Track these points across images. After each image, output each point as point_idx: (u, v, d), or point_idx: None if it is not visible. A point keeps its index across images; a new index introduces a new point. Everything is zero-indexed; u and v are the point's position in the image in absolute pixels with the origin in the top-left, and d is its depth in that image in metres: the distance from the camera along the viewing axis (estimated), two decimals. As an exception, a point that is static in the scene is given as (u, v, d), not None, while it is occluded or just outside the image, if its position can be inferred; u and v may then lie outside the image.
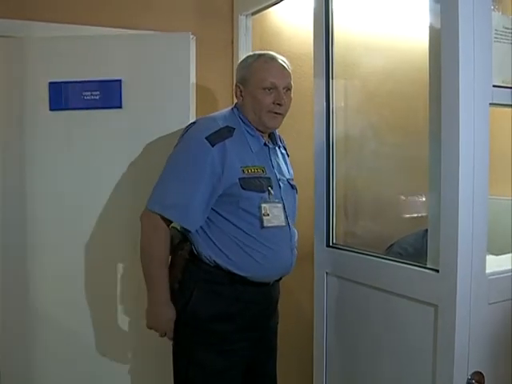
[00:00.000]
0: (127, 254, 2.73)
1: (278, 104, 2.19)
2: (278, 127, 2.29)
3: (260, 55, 2.27)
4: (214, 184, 2.13)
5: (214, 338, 2.22)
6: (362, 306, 2.46)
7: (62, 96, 2.83)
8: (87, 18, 2.93)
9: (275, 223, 2.19)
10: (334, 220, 2.68)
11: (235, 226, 2.17)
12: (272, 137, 2.34)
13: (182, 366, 2.29)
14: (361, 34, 2.73)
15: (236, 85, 2.29)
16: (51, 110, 2.85)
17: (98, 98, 2.84)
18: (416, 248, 2.48)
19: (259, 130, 2.27)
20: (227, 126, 2.19)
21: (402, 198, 2.68)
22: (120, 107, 2.85)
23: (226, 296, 2.22)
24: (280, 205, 2.22)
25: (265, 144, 2.27)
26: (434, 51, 2.05)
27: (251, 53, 2.36)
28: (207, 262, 2.20)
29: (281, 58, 2.27)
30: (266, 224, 2.17)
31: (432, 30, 2.10)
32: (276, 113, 2.22)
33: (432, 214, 2.16)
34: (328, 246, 2.66)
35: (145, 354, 2.93)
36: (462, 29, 1.90)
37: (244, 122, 2.26)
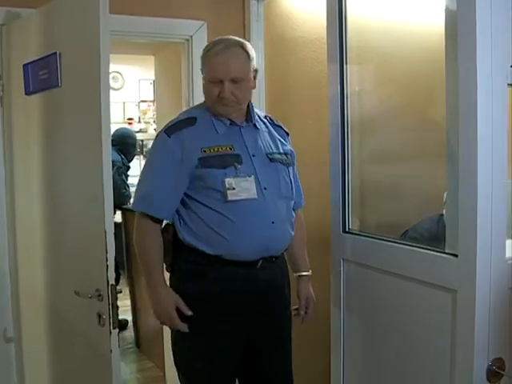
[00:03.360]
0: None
1: (222, 97, 2.22)
2: (231, 114, 2.30)
3: (213, 45, 2.28)
4: (176, 170, 2.24)
5: (198, 319, 2.27)
6: (379, 292, 2.44)
7: (28, 79, 2.63)
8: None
9: (243, 196, 2.22)
10: (349, 205, 2.66)
11: (203, 204, 2.25)
12: (248, 116, 2.36)
13: (174, 348, 2.39)
14: (374, 17, 2.68)
15: (200, 69, 2.36)
16: (26, 94, 2.68)
17: (46, 77, 2.53)
18: (432, 233, 2.46)
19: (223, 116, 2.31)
20: (188, 118, 2.32)
21: (418, 182, 2.64)
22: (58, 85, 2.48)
23: (207, 277, 2.27)
24: (251, 178, 2.25)
25: (231, 124, 2.31)
26: (450, 33, 2.01)
27: (210, 42, 2.35)
28: (186, 244, 2.28)
29: (237, 45, 2.27)
30: (230, 198, 2.21)
31: (448, 11, 2.06)
32: (224, 103, 2.25)
33: (450, 199, 2.13)
34: (344, 231, 2.64)
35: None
36: (479, 9, 1.86)
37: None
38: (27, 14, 2.71)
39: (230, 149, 2.28)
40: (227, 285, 2.26)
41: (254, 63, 2.32)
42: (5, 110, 2.83)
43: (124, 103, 7.76)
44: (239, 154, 2.28)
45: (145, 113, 7.75)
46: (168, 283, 2.35)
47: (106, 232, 2.19)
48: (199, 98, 2.88)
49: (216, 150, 2.26)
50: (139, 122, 7.77)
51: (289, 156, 2.42)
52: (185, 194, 2.27)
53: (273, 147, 2.38)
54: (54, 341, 2.71)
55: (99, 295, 2.22)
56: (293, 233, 2.39)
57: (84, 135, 2.35)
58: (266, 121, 2.45)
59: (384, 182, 2.77)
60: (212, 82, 2.24)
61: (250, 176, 2.25)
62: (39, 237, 2.68)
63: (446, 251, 2.10)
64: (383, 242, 2.44)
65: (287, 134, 2.51)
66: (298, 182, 2.52)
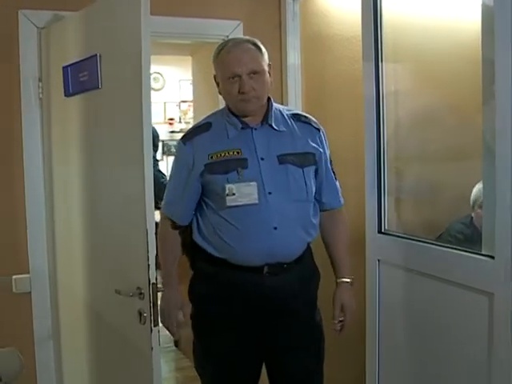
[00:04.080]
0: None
1: (242, 92, 2.19)
2: (254, 109, 2.26)
3: (224, 45, 2.28)
4: (189, 177, 2.30)
5: (207, 320, 2.34)
6: (415, 294, 2.42)
7: (68, 81, 2.65)
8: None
9: (243, 202, 2.21)
10: (385, 206, 2.63)
11: (212, 209, 2.29)
12: (264, 117, 2.30)
13: (192, 348, 2.45)
14: (410, 14, 2.66)
15: (214, 76, 2.34)
16: (66, 96, 2.70)
17: (86, 78, 2.55)
18: (465, 234, 2.42)
19: (243, 115, 2.28)
20: (204, 124, 2.36)
21: (455, 183, 2.60)
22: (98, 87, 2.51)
23: (216, 279, 2.30)
24: (253, 183, 2.22)
25: (242, 127, 2.28)
26: (487, 29, 1.98)
27: (217, 47, 2.33)
28: (198, 245, 2.33)
29: (248, 42, 2.26)
30: (228, 203, 2.21)
31: (484, 7, 2.03)
32: (246, 99, 2.21)
33: (487, 200, 2.09)
34: (380, 232, 2.62)
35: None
36: (516, 5, 1.82)
37: (229, 110, 2.31)
38: (66, 17, 2.75)
39: (238, 153, 2.26)
40: (234, 288, 2.27)
41: (267, 58, 2.28)
42: (44, 112, 2.86)
43: (165, 103, 7.83)
44: (246, 158, 2.25)
45: (185, 113, 7.79)
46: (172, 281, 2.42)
47: (147, 231, 2.20)
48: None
49: (223, 155, 2.26)
50: (180, 122, 7.83)
51: (310, 155, 2.31)
52: (201, 197, 2.33)
53: (289, 148, 2.29)
54: (94, 339, 2.73)
55: (140, 293, 2.24)
56: (309, 237, 2.32)
57: (125, 136, 2.37)
58: (287, 118, 2.34)
59: (420, 182, 2.74)
60: (229, 79, 2.21)
61: (252, 181, 2.22)
62: (79, 236, 2.71)
63: (483, 253, 2.05)
64: (419, 243, 2.41)
65: (318, 129, 2.37)
66: (332, 181, 2.40)
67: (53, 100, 2.82)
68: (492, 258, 1.98)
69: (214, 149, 2.27)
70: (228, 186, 2.22)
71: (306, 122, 2.37)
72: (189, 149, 2.30)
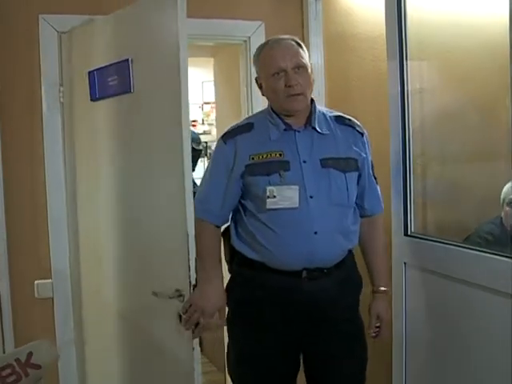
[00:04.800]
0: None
1: (289, 86, 2.17)
2: (300, 107, 2.23)
3: (265, 43, 2.29)
4: (228, 177, 2.26)
5: (245, 323, 2.31)
6: (442, 297, 2.36)
7: (95, 85, 2.67)
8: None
9: (283, 205, 2.17)
10: (412, 208, 2.58)
11: (250, 212, 2.26)
12: (307, 120, 2.27)
13: (226, 350, 2.47)
14: (435, 10, 2.58)
15: (255, 78, 2.34)
16: (92, 100, 2.72)
17: (115, 83, 2.57)
18: (495, 236, 2.35)
19: (288, 115, 2.25)
20: (246, 124, 2.33)
21: (484, 182, 2.53)
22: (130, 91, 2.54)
23: (253, 282, 2.27)
24: (295, 186, 2.18)
25: (285, 129, 2.25)
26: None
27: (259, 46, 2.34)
28: (236, 248, 2.32)
29: (288, 39, 2.25)
30: (268, 206, 2.18)
31: (513, 2, 1.96)
32: (293, 95, 2.18)
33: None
34: (406, 234, 2.56)
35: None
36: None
37: (273, 111, 2.28)
38: (91, 21, 2.79)
39: (280, 155, 2.22)
40: (272, 292, 2.23)
41: (308, 57, 2.27)
42: (66, 117, 2.87)
43: (188, 105, 7.80)
44: (288, 161, 2.21)
45: (208, 115, 7.74)
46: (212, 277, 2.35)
47: (188, 235, 2.23)
48: (257, 98, 2.94)
49: (265, 156, 2.23)
50: (203, 123, 7.79)
51: (353, 161, 2.27)
52: (239, 200, 2.29)
53: (332, 152, 2.25)
54: (125, 341, 2.73)
55: (179, 295, 2.28)
56: (349, 244, 2.28)
57: (163, 138, 2.38)
58: (330, 121, 2.31)
59: (447, 183, 2.67)
60: (275, 75, 2.19)
61: (294, 184, 2.19)
62: (111, 240, 2.70)
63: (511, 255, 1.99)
64: (447, 245, 2.35)
65: (361, 134, 2.33)
66: (374, 186, 2.37)
67: (77, 105, 2.84)
68: (522, 261, 1.92)
69: (255, 150, 2.25)
70: (269, 188, 2.19)
71: (349, 126, 2.33)
72: (230, 148, 2.27)
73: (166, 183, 2.36)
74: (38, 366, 1.71)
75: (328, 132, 2.27)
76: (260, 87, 2.31)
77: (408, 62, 2.55)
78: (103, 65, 2.60)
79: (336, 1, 3.21)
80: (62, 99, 2.83)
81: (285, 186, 2.18)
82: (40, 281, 2.84)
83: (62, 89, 2.83)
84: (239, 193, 2.27)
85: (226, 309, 2.36)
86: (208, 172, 2.34)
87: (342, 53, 3.22)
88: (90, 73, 2.67)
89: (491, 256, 2.10)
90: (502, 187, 2.40)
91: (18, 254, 2.82)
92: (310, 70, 2.25)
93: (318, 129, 2.26)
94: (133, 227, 2.59)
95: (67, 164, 2.87)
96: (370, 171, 2.35)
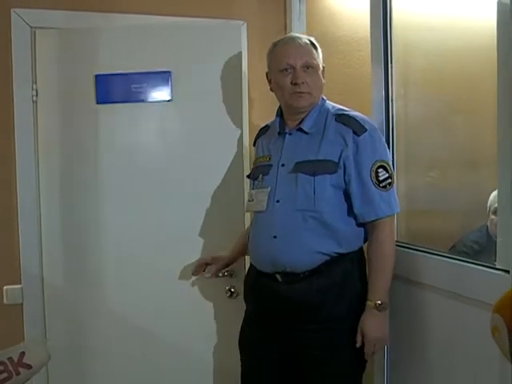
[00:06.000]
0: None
1: (296, 83, 2.21)
2: (305, 106, 2.26)
3: (280, 40, 2.32)
4: None
5: (245, 315, 2.47)
6: (426, 310, 2.28)
7: (109, 89, 2.79)
8: (136, 6, 2.88)
9: (255, 208, 2.31)
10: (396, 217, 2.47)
11: None
12: (301, 121, 2.29)
13: None
14: (422, 12, 2.57)
15: (266, 73, 2.38)
16: (98, 103, 2.80)
17: (145, 90, 2.81)
18: (481, 245, 2.30)
19: (293, 114, 2.30)
20: (265, 125, 2.51)
21: (469, 190, 2.49)
22: (170, 100, 2.82)
23: (248, 278, 2.44)
24: (267, 189, 2.27)
25: (279, 132, 2.33)
26: (503, 28, 1.85)
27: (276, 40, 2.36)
28: None
29: (303, 38, 2.29)
30: (246, 209, 2.43)
31: (500, 5, 1.90)
32: (298, 92, 2.22)
33: (502, 208, 1.96)
34: None
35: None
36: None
37: (277, 112, 2.38)
38: (92, 20, 2.83)
39: (269, 159, 2.34)
40: (257, 291, 2.35)
41: (321, 58, 2.31)
42: (59, 116, 2.84)
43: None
44: (271, 165, 2.31)
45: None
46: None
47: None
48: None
49: (261, 160, 2.40)
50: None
51: (330, 163, 2.19)
52: None
53: (311, 154, 2.21)
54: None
55: (231, 274, 2.77)
56: (331, 248, 2.19)
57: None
58: (330, 119, 2.26)
59: (432, 190, 2.64)
60: (283, 71, 2.24)
61: (267, 187, 2.26)
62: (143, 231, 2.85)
63: (497, 267, 1.92)
64: (431, 255, 2.28)
65: (357, 134, 2.18)
66: (366, 191, 2.18)
67: (76, 106, 2.83)
68: (507, 272, 1.84)
69: (259, 153, 2.45)
70: (251, 191, 2.38)
71: (345, 125, 2.22)
72: (254, 150, 2.53)
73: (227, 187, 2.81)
74: (30, 366, 1.72)
75: (316, 132, 2.25)
76: (269, 82, 2.36)
77: (393, 65, 2.50)
78: (123, 72, 2.77)
79: (320, 1, 3.17)
80: (34, 98, 2.74)
81: (259, 190, 2.30)
82: (9, 286, 2.74)
83: (35, 87, 2.74)
84: None
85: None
86: None
87: (324, 55, 3.09)
88: (97, 76, 2.77)
89: (473, 266, 2.03)
90: (489, 195, 2.35)
91: (-16, 258, 2.71)
92: (320, 72, 2.29)
93: (304, 129, 2.26)
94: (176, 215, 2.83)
95: (39, 165, 2.78)
96: (364, 174, 2.18)
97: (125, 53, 2.79)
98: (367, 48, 2.66)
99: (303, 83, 2.21)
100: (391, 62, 2.49)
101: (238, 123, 2.82)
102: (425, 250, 2.33)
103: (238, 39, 2.86)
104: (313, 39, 2.30)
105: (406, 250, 2.40)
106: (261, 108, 2.83)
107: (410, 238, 2.52)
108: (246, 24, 3.00)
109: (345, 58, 3.13)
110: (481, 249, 2.30)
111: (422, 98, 2.66)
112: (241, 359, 2.45)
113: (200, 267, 2.72)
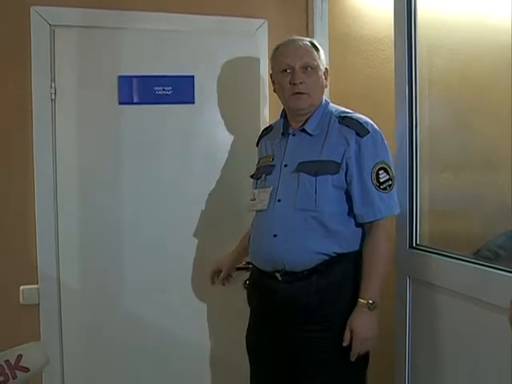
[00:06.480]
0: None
1: (294, 84, 2.24)
2: (304, 107, 2.29)
3: (280, 44, 2.36)
4: None
5: (250, 316, 2.47)
6: (449, 316, 2.24)
7: (132, 90, 2.82)
8: (158, 4, 2.85)
9: (256, 207, 2.34)
10: (418, 218, 2.47)
11: None
12: (305, 122, 2.32)
13: None
14: (447, 11, 2.51)
15: (270, 75, 2.43)
16: (120, 103, 2.81)
17: (169, 93, 2.86)
18: (507, 250, 2.22)
19: (295, 115, 2.33)
20: (269, 126, 2.55)
21: (495, 192, 2.42)
22: (192, 102, 2.88)
23: (250, 278, 2.48)
24: (269, 189, 2.30)
25: (283, 133, 2.36)
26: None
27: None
28: None
29: (304, 40, 2.33)
30: (248, 208, 2.40)
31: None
32: (296, 93, 2.26)
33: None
34: (411, 247, 2.47)
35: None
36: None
37: (282, 113, 2.42)
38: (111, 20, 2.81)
39: (272, 159, 2.37)
40: (257, 290, 2.38)
41: (324, 60, 2.34)
42: (77, 117, 2.81)
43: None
44: (274, 165, 2.34)
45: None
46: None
47: None
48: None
49: (264, 160, 2.42)
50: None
51: (333, 164, 2.20)
52: None
53: (314, 154, 2.24)
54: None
55: (247, 268, 2.66)
56: (330, 248, 2.19)
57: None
58: (333, 121, 2.27)
59: (457, 192, 2.57)
60: (283, 72, 2.28)
61: (269, 187, 2.30)
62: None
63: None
64: (454, 260, 2.23)
65: (360, 136, 2.21)
66: (367, 192, 2.20)
67: (97, 106, 2.81)
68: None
69: (262, 153, 2.48)
70: (254, 191, 2.39)
71: (349, 127, 2.23)
72: (258, 150, 2.54)
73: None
74: (27, 369, 1.70)
75: (320, 134, 2.28)
76: (273, 83, 2.39)
77: (417, 65, 2.45)
78: (146, 74, 2.82)
79: (343, 0, 3.13)
80: (53, 96, 2.72)
81: (262, 189, 2.34)
82: (25, 286, 2.71)
83: (53, 85, 2.71)
84: None
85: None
86: None
87: (347, 54, 3.14)
88: (121, 77, 2.80)
89: (500, 272, 1.98)
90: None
91: (1, 258, 2.69)
92: (321, 73, 2.31)
93: (308, 131, 2.29)
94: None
95: (57, 166, 2.75)
96: (365, 175, 2.20)
97: (147, 55, 2.82)
98: (390, 47, 2.65)
99: (301, 83, 2.24)
100: (415, 62, 2.45)
101: (257, 123, 2.89)
102: (447, 253, 2.29)
103: (257, 40, 2.93)
104: (315, 41, 2.35)
105: (428, 253, 2.37)
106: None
107: (432, 241, 2.48)
108: (267, 22, 2.97)
109: (367, 57, 3.11)
110: (507, 254, 2.22)
111: (446, 98, 2.61)
112: (249, 359, 2.46)
113: (214, 277, 2.76)
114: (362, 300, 2.16)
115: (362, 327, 2.15)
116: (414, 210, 2.46)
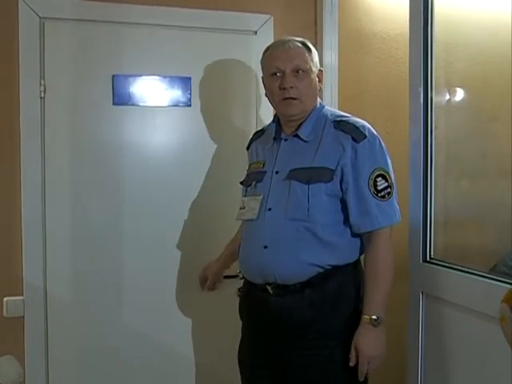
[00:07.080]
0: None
1: (284, 89, 2.15)
2: (295, 113, 2.20)
3: (273, 43, 2.30)
4: None
5: (242, 328, 2.38)
6: (463, 333, 2.16)
7: (126, 90, 2.75)
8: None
9: (246, 216, 2.24)
10: (431, 231, 2.37)
11: None
12: (298, 127, 2.23)
13: None
14: (466, 8, 2.47)
15: (262, 79, 2.33)
16: (114, 104, 2.74)
17: (166, 94, 2.80)
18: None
19: (287, 121, 2.25)
20: (261, 129, 2.47)
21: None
22: (189, 105, 2.83)
23: (243, 288, 2.36)
24: (259, 197, 2.21)
25: (274, 138, 2.28)
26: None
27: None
28: None
29: (296, 40, 2.23)
30: (236, 217, 2.30)
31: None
32: (287, 98, 2.16)
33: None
34: (425, 260, 2.38)
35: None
36: None
37: (274, 117, 2.34)
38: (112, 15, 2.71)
39: (263, 165, 2.29)
40: (249, 303, 2.28)
41: (317, 61, 2.23)
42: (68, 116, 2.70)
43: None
44: (265, 171, 2.26)
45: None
46: None
47: None
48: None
49: (254, 166, 2.33)
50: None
51: (327, 171, 2.11)
52: None
53: (307, 161, 2.15)
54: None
55: (242, 277, 2.43)
56: (324, 260, 2.09)
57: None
58: (328, 126, 2.18)
59: (473, 203, 2.50)
60: (273, 75, 2.19)
61: (259, 195, 2.21)
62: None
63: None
64: (470, 275, 2.15)
65: (357, 141, 2.10)
66: (363, 200, 2.10)
67: (90, 106, 2.72)
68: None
69: (253, 158, 2.39)
70: (243, 198, 2.30)
71: (344, 131, 2.13)
72: (248, 155, 2.46)
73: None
74: None
75: (313, 140, 2.19)
76: (265, 87, 2.30)
77: (433, 65, 2.36)
78: (142, 74, 2.75)
79: (353, -5, 3.06)
80: (42, 94, 2.60)
81: (252, 197, 2.24)
82: (9, 298, 2.58)
83: (43, 82, 2.60)
84: None
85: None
86: None
87: (358, 52, 3.06)
88: (115, 77, 2.72)
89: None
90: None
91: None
92: (314, 76, 2.21)
93: (302, 137, 2.21)
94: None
95: (44, 168, 2.63)
96: (361, 182, 2.10)
97: (144, 53, 2.74)
98: (405, 46, 2.55)
99: (292, 88, 2.15)
100: (431, 62, 2.37)
101: (258, 125, 2.81)
102: (462, 268, 2.21)
103: (261, 38, 2.81)
104: (307, 42, 2.25)
105: (442, 268, 2.29)
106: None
107: (447, 254, 2.41)
108: (272, 18, 2.87)
109: (380, 56, 3.03)
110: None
111: (464, 101, 2.56)
112: (240, 375, 2.38)
113: (202, 284, 2.71)
114: (365, 316, 2.07)
115: (368, 345, 2.04)
116: (428, 220, 2.38)
